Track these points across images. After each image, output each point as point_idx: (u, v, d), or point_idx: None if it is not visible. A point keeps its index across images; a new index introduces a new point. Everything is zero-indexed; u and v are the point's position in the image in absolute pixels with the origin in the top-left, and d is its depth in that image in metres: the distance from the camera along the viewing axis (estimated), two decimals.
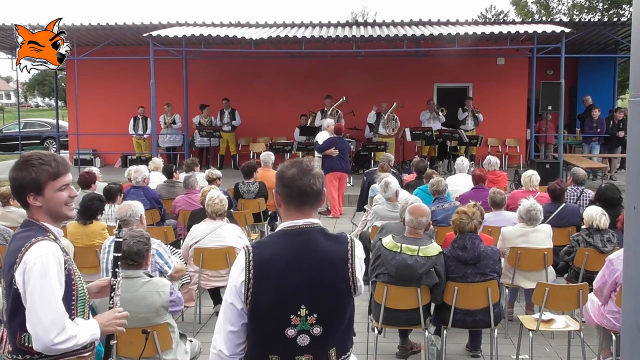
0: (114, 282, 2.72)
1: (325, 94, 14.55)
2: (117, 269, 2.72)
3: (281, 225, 2.44)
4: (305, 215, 2.41)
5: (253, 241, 7.43)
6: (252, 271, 2.33)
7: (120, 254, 2.77)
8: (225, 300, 2.40)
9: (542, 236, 5.78)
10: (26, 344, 2.46)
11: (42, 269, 2.40)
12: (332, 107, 14.21)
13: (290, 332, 2.34)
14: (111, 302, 2.70)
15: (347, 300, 2.40)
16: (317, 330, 2.35)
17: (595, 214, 5.69)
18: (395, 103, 14.05)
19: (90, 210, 6.02)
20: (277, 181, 2.43)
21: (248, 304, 2.33)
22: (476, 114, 14.75)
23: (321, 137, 11.38)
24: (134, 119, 15.22)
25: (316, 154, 11.60)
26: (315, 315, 2.34)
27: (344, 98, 14.10)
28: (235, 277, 2.36)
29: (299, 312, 2.33)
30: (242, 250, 2.40)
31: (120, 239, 2.80)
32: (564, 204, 6.81)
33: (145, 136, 15.13)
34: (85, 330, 2.51)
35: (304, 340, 2.35)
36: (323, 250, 2.37)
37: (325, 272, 2.35)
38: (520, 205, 5.88)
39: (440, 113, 14.99)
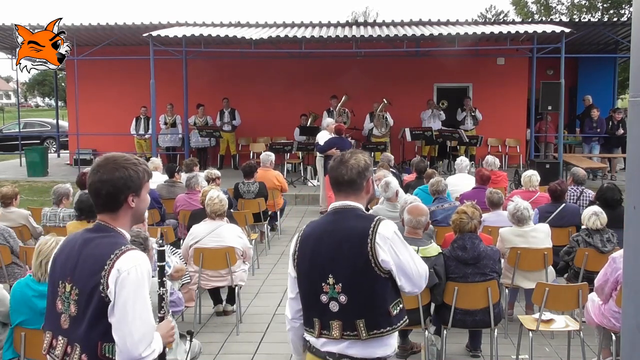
0: (163, 292, 2.66)
1: (325, 94, 14.56)
2: (164, 279, 2.68)
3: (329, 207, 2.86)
4: (343, 199, 2.78)
5: (251, 240, 7.47)
6: (298, 244, 2.80)
7: (164, 263, 2.72)
8: (288, 273, 2.85)
9: (541, 236, 5.78)
10: (107, 355, 2.32)
11: (136, 279, 2.30)
12: (338, 106, 14.21)
13: (324, 298, 2.68)
14: (162, 312, 2.64)
15: (369, 275, 2.62)
16: (343, 298, 2.65)
17: (585, 215, 5.71)
18: (384, 101, 14.05)
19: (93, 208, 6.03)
20: None
21: (297, 272, 2.77)
22: (473, 113, 14.77)
23: (322, 137, 11.36)
24: (137, 119, 15.19)
25: (318, 154, 11.59)
26: (340, 284, 2.65)
27: (346, 96, 14.11)
28: (290, 250, 2.84)
29: (327, 281, 2.66)
30: None
31: (164, 248, 2.74)
32: (564, 204, 6.81)
33: (146, 136, 15.12)
34: (159, 343, 2.43)
35: (334, 306, 2.66)
36: (348, 227, 2.69)
37: (346, 245, 2.65)
38: (507, 209, 5.91)
39: (441, 106, 15.01)
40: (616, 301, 4.58)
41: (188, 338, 3.96)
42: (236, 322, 5.92)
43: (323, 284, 2.66)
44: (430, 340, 5.00)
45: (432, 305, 5.03)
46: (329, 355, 2.70)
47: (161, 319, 2.62)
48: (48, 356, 2.46)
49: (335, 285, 2.64)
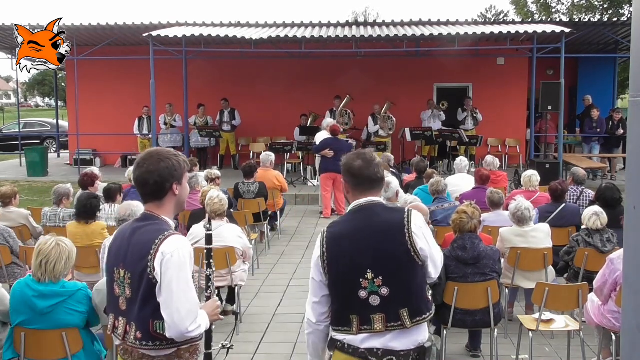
0: (210, 273, 2.89)
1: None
2: (210, 260, 2.90)
3: (349, 207, 2.85)
4: (369, 196, 2.80)
5: (249, 240, 7.45)
6: (325, 246, 2.75)
7: (211, 246, 2.94)
8: (310, 277, 2.81)
9: (541, 236, 5.77)
10: (158, 331, 2.56)
11: (179, 261, 2.53)
12: (340, 107, 14.18)
13: (362, 293, 2.68)
14: (208, 292, 2.87)
15: (409, 264, 2.69)
16: (384, 291, 2.67)
17: (586, 215, 5.71)
18: (387, 103, 14.04)
19: (89, 209, 6.01)
20: (346, 172, 2.85)
21: (327, 274, 2.73)
22: (475, 114, 14.76)
23: (319, 138, 11.37)
24: (139, 119, 15.16)
25: (317, 155, 11.58)
26: (380, 278, 2.67)
27: (349, 97, 14.10)
28: (314, 254, 2.79)
29: (366, 276, 2.67)
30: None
31: (211, 232, 2.97)
32: (564, 204, 6.81)
33: (150, 136, 15.11)
34: (205, 320, 2.66)
35: (375, 300, 2.68)
36: (381, 220, 2.74)
37: (384, 238, 2.70)
38: (509, 209, 5.91)
39: (441, 107, 14.98)
40: (616, 301, 4.58)
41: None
42: (236, 322, 5.91)
43: (361, 280, 2.67)
44: (430, 341, 4.99)
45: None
46: (369, 353, 2.69)
47: (208, 298, 2.86)
48: (113, 335, 2.75)
49: (375, 280, 2.66)
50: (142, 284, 2.55)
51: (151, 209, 2.70)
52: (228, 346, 3.00)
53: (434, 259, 2.79)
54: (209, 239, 2.96)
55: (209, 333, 2.78)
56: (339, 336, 2.75)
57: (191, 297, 2.55)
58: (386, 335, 2.69)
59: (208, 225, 2.98)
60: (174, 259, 2.52)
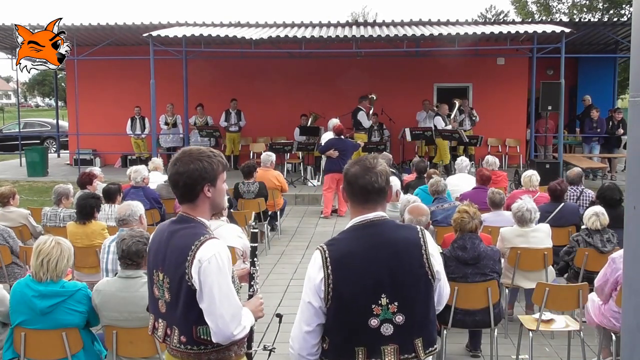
0: (253, 272, 2.87)
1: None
2: (255, 259, 2.87)
3: (352, 222, 2.53)
4: (372, 210, 2.49)
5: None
6: (329, 267, 2.41)
7: (256, 244, 2.90)
8: (302, 301, 2.49)
9: (542, 236, 5.77)
10: (202, 337, 2.53)
11: (217, 266, 2.47)
12: (371, 109, 14.07)
13: (374, 322, 2.39)
14: (251, 290, 2.87)
15: (427, 287, 2.45)
16: (399, 318, 2.40)
17: (586, 215, 5.71)
18: (456, 102, 14.08)
19: (85, 209, 5.99)
20: (343, 178, 2.57)
21: (329, 300, 2.40)
22: (473, 116, 14.71)
23: (325, 138, 11.38)
24: (132, 119, 15.22)
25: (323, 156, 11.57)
26: (396, 304, 2.39)
27: (374, 95, 14.01)
28: (313, 276, 2.44)
29: (379, 302, 2.38)
30: (316, 250, 2.50)
31: (257, 230, 2.93)
32: (562, 204, 6.81)
33: (143, 136, 15.17)
34: (248, 319, 2.63)
35: (387, 329, 2.40)
36: (396, 238, 2.46)
37: (402, 259, 2.42)
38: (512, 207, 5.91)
39: (436, 108, 14.95)
40: (616, 301, 4.57)
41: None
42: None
43: (373, 306, 2.38)
44: None
45: None
46: None
47: (250, 296, 2.84)
48: (153, 336, 2.71)
49: (390, 305, 2.38)
50: (181, 290, 2.50)
51: (186, 210, 2.62)
52: (270, 348, 2.93)
53: (442, 287, 2.56)
54: (254, 237, 2.90)
55: (250, 333, 2.72)
56: None
57: (233, 301, 2.51)
58: None
59: (253, 224, 2.96)
60: (212, 266, 2.45)
